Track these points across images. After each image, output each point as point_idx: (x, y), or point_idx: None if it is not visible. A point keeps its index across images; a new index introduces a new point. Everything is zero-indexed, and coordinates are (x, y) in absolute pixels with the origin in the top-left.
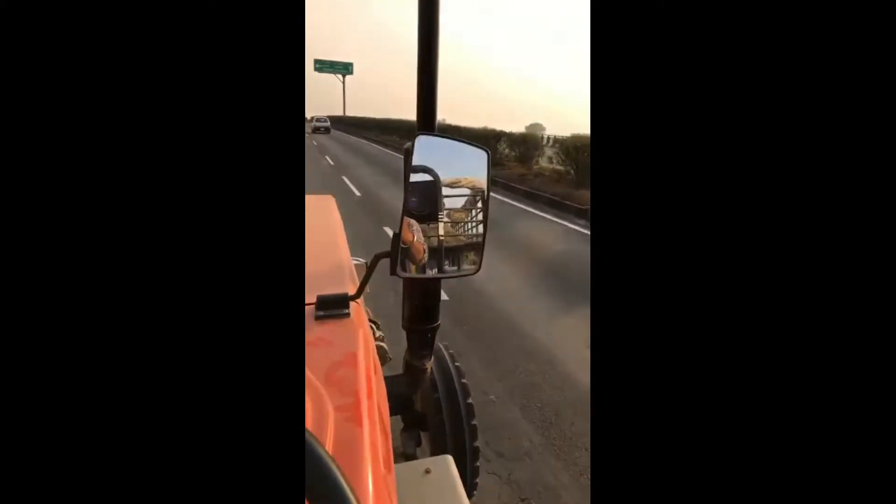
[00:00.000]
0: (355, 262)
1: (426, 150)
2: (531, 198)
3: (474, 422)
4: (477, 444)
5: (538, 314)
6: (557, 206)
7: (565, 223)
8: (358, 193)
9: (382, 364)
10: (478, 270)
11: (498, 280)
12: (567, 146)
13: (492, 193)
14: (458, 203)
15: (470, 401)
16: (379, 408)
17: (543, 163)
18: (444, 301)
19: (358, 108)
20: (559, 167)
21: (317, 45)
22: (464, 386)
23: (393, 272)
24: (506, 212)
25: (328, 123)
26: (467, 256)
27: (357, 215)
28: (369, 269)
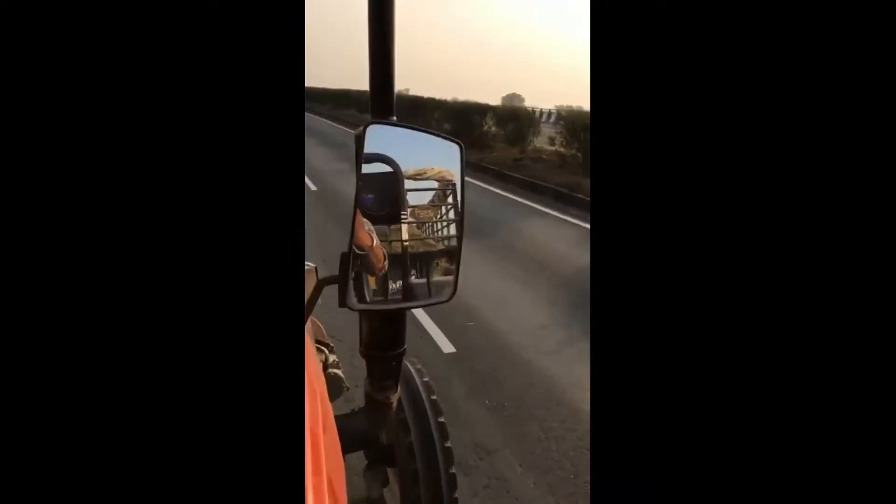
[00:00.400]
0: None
1: (382, 142)
2: (532, 189)
3: (453, 470)
4: (457, 495)
5: (578, 375)
6: (567, 200)
7: (581, 223)
8: (314, 187)
9: (338, 395)
10: (453, 295)
11: (514, 313)
12: (573, 124)
13: (483, 184)
14: (425, 199)
15: (448, 444)
16: (326, 457)
17: (539, 143)
18: (451, 353)
19: (308, 78)
20: (561, 149)
21: None
22: (441, 426)
23: (342, 304)
24: (504, 209)
25: None
26: (438, 265)
27: (315, 217)
28: (311, 298)
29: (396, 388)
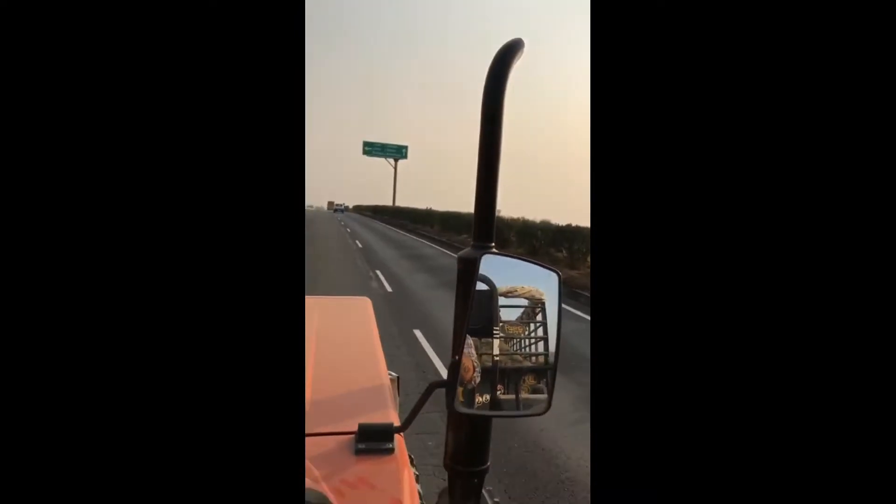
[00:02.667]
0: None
1: (485, 266)
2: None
3: None
4: None
5: None
6: None
7: None
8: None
9: None
10: (548, 409)
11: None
12: None
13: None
14: (514, 315)
15: None
16: None
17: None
18: None
19: (412, 198)
20: None
21: (367, 126)
22: None
23: (451, 407)
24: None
25: (343, 207)
26: (526, 382)
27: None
28: (420, 401)
29: None
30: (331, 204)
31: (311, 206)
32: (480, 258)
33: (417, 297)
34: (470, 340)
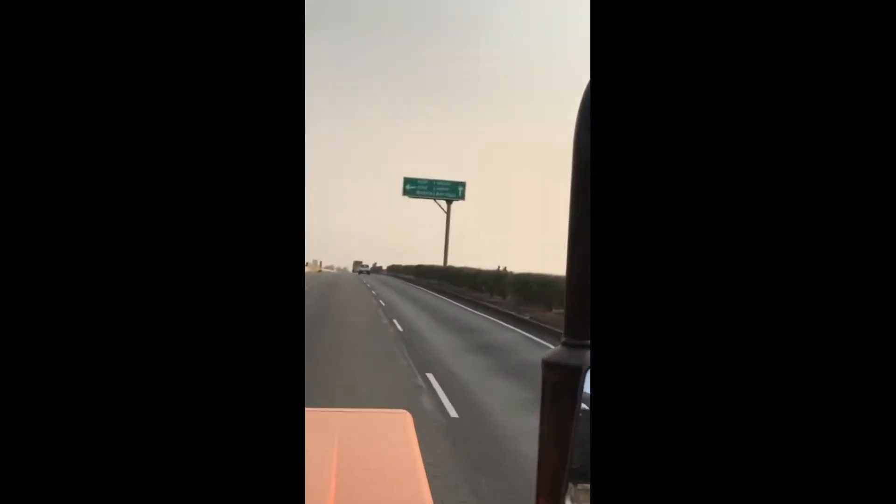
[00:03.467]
0: None
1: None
2: None
3: None
4: None
5: None
6: None
7: None
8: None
9: None
10: None
11: None
12: None
13: None
14: None
15: None
16: None
17: None
18: None
19: (469, 255)
20: None
21: (406, 162)
22: None
23: None
24: None
25: (369, 268)
26: None
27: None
28: None
29: None
30: (357, 264)
31: (332, 267)
32: (586, 367)
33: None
34: (570, 489)
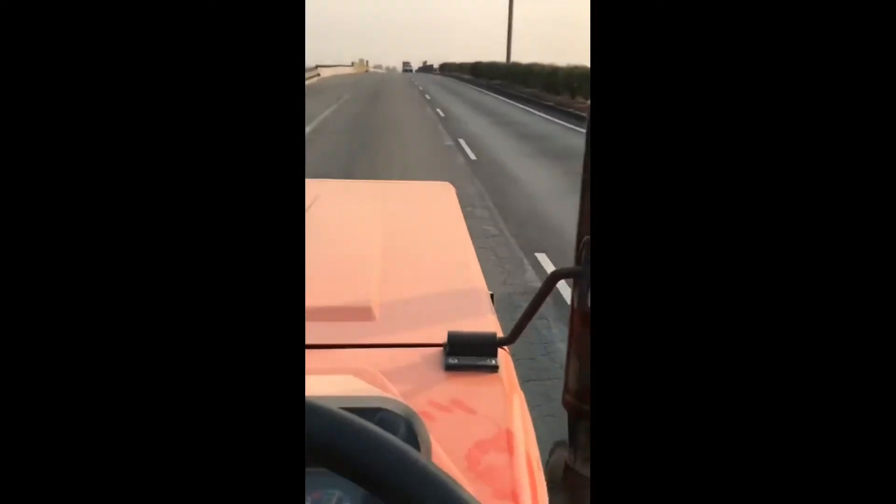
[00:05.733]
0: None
1: None
2: None
3: None
4: None
5: None
6: None
7: None
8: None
9: None
10: None
11: None
12: None
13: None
14: None
15: None
16: None
17: None
18: None
19: (536, 52)
20: None
21: None
22: None
23: (581, 304)
24: None
25: (424, 63)
26: None
27: None
28: (538, 297)
29: None
30: (406, 65)
31: (381, 67)
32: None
33: None
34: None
